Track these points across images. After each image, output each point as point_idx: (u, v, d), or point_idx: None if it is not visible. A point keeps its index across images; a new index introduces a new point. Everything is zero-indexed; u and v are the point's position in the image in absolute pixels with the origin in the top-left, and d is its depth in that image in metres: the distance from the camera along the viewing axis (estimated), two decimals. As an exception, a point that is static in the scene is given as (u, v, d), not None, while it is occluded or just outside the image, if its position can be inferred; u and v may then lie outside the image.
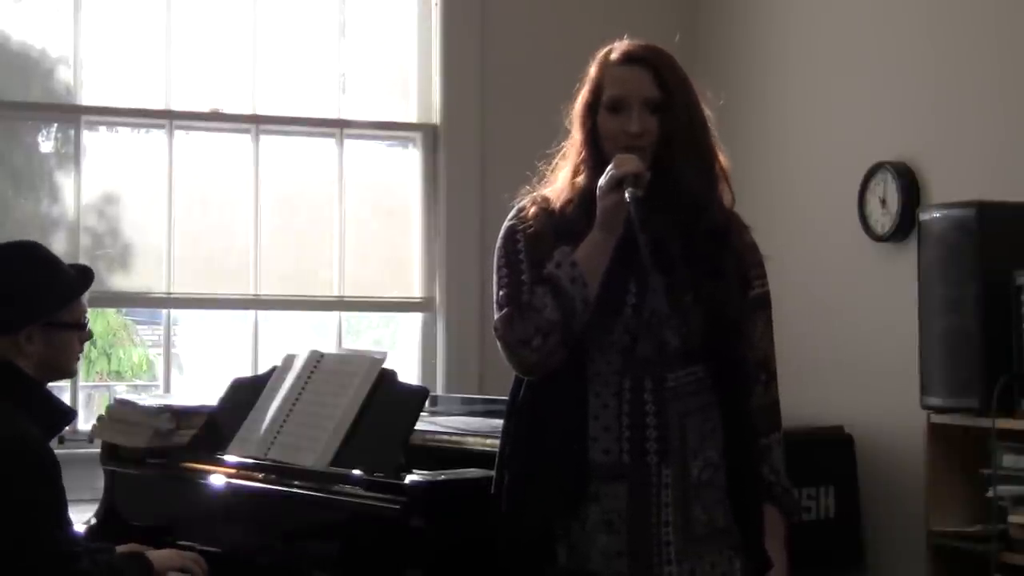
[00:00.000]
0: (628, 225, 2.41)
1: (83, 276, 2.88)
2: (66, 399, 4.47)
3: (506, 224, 2.57)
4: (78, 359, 2.89)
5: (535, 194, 2.59)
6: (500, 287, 2.50)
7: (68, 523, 2.74)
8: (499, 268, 2.53)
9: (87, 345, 2.95)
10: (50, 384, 2.87)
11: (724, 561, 2.49)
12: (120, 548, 3.06)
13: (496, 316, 2.48)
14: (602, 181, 2.41)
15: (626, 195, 2.36)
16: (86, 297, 2.88)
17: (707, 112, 2.55)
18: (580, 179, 2.53)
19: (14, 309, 2.74)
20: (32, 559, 2.56)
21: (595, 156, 2.51)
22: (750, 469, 2.53)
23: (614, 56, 2.52)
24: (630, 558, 2.44)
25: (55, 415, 2.80)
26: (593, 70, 2.54)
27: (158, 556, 2.90)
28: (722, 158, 2.57)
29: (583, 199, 2.50)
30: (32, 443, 2.64)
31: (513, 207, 2.59)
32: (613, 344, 2.47)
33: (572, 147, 2.57)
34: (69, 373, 2.89)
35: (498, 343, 2.47)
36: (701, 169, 2.51)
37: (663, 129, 2.47)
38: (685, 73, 2.53)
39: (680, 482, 2.46)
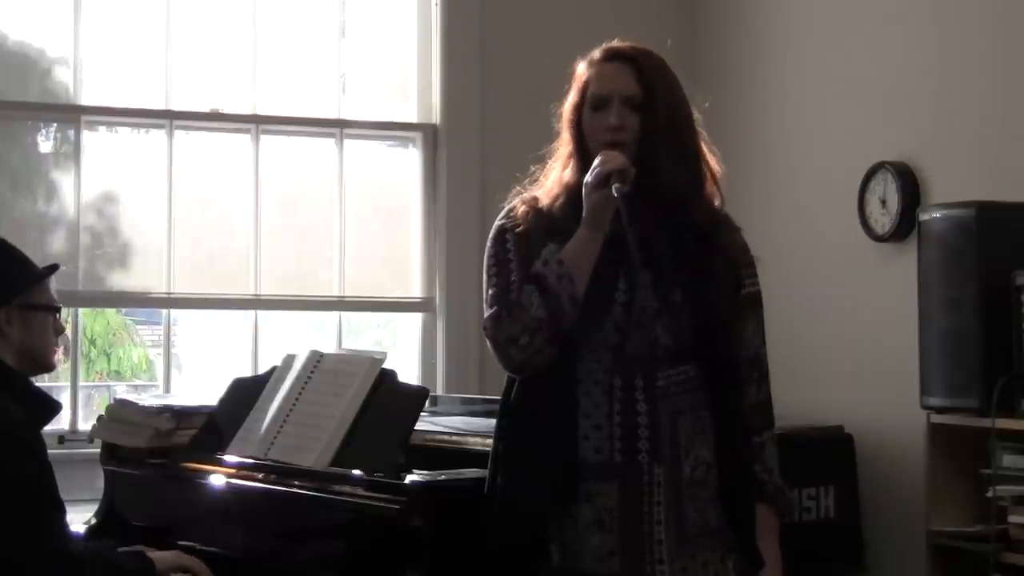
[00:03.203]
0: (616, 222, 2.42)
1: (48, 266, 2.94)
2: (66, 399, 4.48)
3: (496, 224, 2.60)
4: (55, 351, 2.91)
5: (525, 194, 2.61)
6: (489, 286, 2.53)
7: (61, 507, 2.74)
8: (488, 268, 2.55)
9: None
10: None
11: (716, 560, 2.50)
12: (122, 550, 3.06)
13: (485, 315, 2.49)
14: (588, 178, 2.43)
15: (612, 190, 2.37)
16: (54, 286, 2.92)
17: (696, 115, 2.56)
18: (568, 177, 2.55)
19: None
20: (21, 539, 2.56)
21: (582, 155, 2.54)
22: (742, 468, 2.53)
23: (598, 54, 2.56)
24: (622, 557, 2.45)
25: (40, 407, 2.81)
26: (579, 70, 2.58)
27: (160, 556, 2.91)
28: (711, 160, 2.58)
29: (570, 197, 2.52)
30: (17, 424, 2.65)
31: (503, 208, 2.61)
32: (603, 342, 2.48)
33: (561, 147, 2.60)
34: (48, 365, 2.91)
35: (487, 342, 2.48)
36: (684, 168, 2.52)
37: (644, 127, 2.49)
38: (672, 73, 2.55)
39: (672, 481, 2.47)
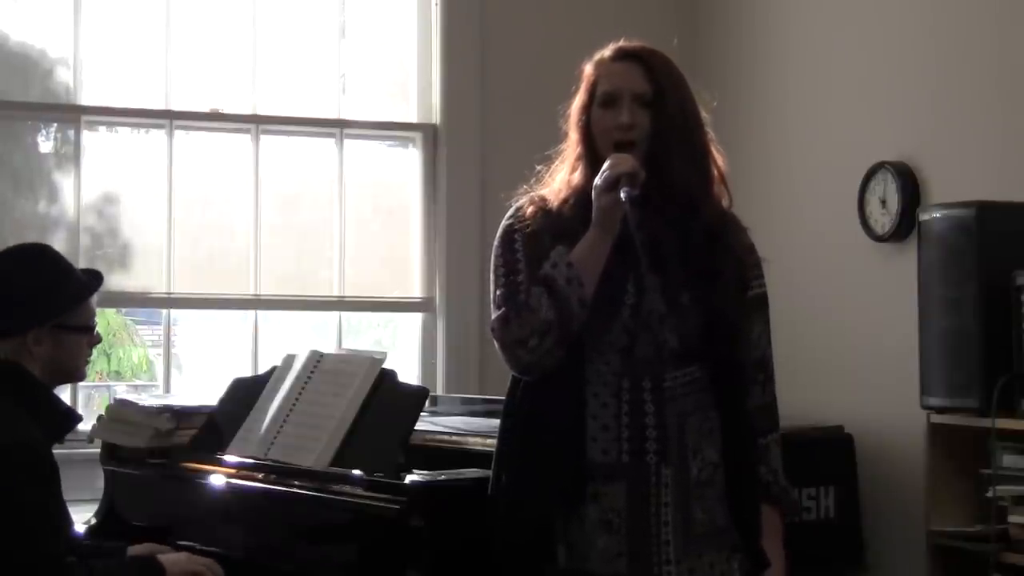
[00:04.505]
0: (625, 225, 2.41)
1: (93, 279, 2.88)
2: (65, 399, 4.46)
3: (504, 223, 2.58)
4: (87, 363, 2.87)
5: (533, 194, 2.60)
6: (497, 287, 2.51)
7: (68, 527, 2.72)
8: (496, 268, 2.54)
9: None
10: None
11: (723, 561, 2.50)
12: (134, 548, 3.05)
13: (492, 316, 2.49)
14: (598, 181, 2.42)
15: (621, 195, 2.37)
16: (95, 300, 2.88)
17: (704, 114, 2.56)
18: (576, 178, 2.54)
19: (22, 312, 2.73)
20: (25, 566, 2.54)
21: (590, 154, 2.53)
22: (748, 469, 2.53)
23: (607, 54, 2.56)
24: (629, 558, 2.44)
25: (61, 418, 2.78)
26: (588, 70, 2.57)
27: (171, 560, 2.89)
28: (719, 160, 2.58)
29: (579, 198, 2.51)
30: (31, 445, 2.61)
31: (511, 207, 2.60)
32: (611, 344, 2.47)
33: (569, 147, 2.59)
34: (77, 376, 2.88)
35: (495, 343, 2.47)
36: (695, 166, 2.51)
37: (655, 124, 2.48)
38: (680, 72, 2.55)
39: (679, 482, 2.47)
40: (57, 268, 2.84)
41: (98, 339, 2.88)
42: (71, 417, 2.82)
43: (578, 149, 2.56)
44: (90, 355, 2.88)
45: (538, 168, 2.65)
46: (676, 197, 2.49)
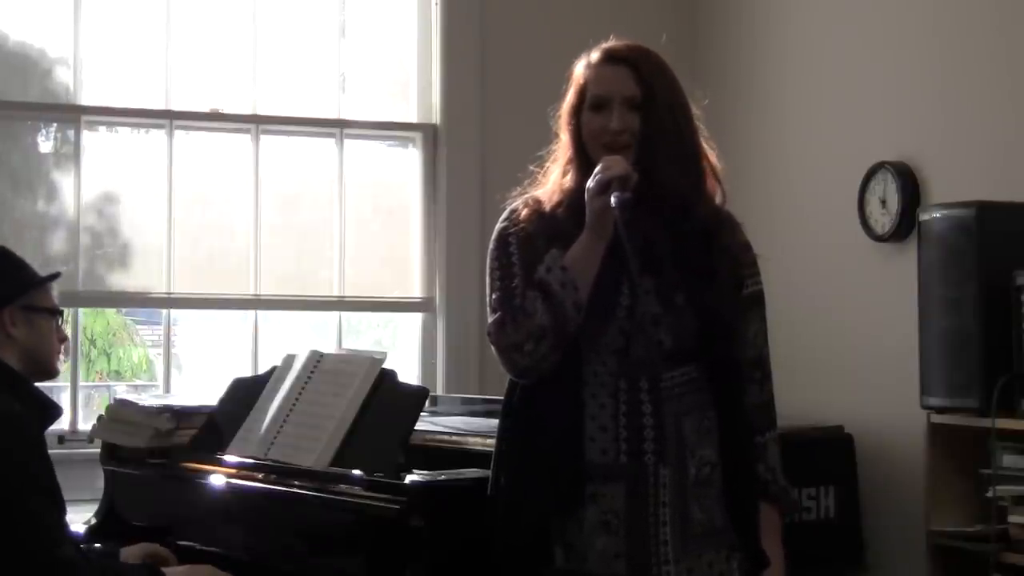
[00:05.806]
0: (617, 228, 2.41)
1: (51, 273, 2.96)
2: (66, 399, 4.48)
3: (498, 226, 2.58)
4: (58, 356, 2.92)
5: (527, 196, 2.60)
6: (493, 291, 2.51)
7: (62, 507, 2.73)
8: (492, 271, 2.54)
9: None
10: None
11: (721, 560, 2.50)
12: (129, 549, 3.05)
13: (489, 320, 2.48)
14: (590, 184, 2.42)
15: (612, 200, 2.36)
16: (56, 293, 2.93)
17: (696, 111, 2.56)
18: (568, 181, 2.54)
19: None
20: (13, 535, 2.55)
21: (582, 157, 2.52)
22: (747, 467, 2.53)
23: (596, 56, 2.55)
24: (628, 559, 2.44)
25: (41, 410, 2.81)
26: (577, 71, 2.56)
27: (174, 573, 2.90)
28: (711, 157, 2.57)
29: (572, 201, 2.51)
30: (23, 423, 2.65)
31: (505, 209, 2.60)
32: (607, 346, 2.47)
33: (560, 149, 2.59)
34: (51, 369, 2.91)
35: (492, 347, 2.47)
36: (686, 167, 2.51)
37: (645, 127, 2.47)
38: (671, 71, 2.54)
39: (677, 481, 2.46)
40: (14, 259, 2.91)
41: (65, 336, 2.94)
42: (51, 408, 2.85)
43: (569, 152, 2.55)
44: (60, 352, 2.93)
45: (532, 168, 2.64)
46: (668, 198, 2.49)
